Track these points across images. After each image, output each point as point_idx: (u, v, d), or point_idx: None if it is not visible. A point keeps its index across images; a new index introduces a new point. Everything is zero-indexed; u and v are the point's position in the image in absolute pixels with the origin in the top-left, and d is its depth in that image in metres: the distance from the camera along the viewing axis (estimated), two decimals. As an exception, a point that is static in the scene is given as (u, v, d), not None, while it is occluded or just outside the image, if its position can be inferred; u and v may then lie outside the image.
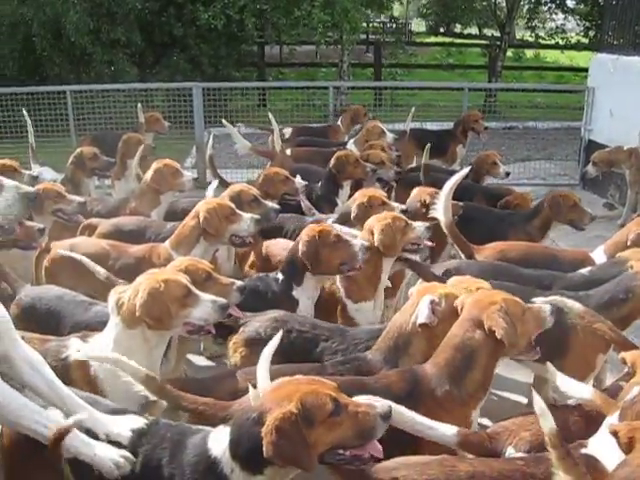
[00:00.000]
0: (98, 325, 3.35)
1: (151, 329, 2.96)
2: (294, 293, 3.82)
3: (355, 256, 3.77)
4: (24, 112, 7.52)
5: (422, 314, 2.96)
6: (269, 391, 2.23)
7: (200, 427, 2.44)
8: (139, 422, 2.50)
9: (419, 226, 4.14)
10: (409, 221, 4.17)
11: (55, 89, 9.90)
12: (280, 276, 3.92)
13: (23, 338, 2.89)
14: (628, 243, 4.25)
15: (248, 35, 12.58)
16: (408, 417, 2.44)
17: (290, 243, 4.61)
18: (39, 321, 3.64)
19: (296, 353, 3.20)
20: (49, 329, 3.51)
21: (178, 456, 2.32)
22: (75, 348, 3.12)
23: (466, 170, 4.57)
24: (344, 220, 4.80)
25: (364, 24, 17.24)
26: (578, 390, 2.66)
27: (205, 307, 3.01)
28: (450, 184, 4.32)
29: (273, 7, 12.75)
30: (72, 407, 2.51)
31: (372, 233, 4.01)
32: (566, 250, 4.45)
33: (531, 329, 2.86)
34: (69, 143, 9.10)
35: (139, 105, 7.75)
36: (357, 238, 3.87)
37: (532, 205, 5.60)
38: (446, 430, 2.47)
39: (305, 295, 3.85)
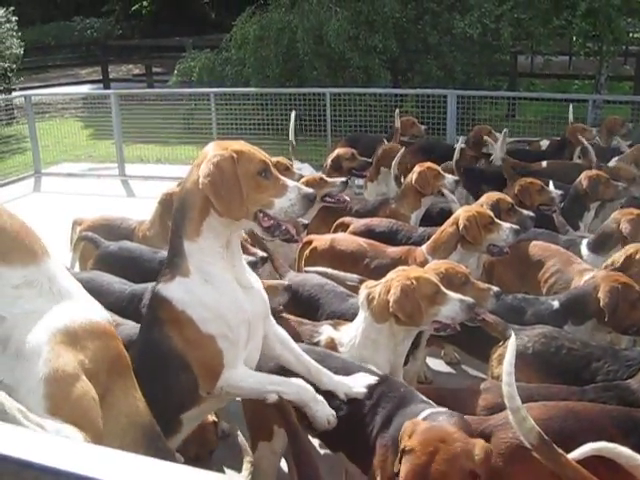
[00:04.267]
0: (352, 317, 3.52)
1: (399, 324, 3.06)
2: (565, 328, 3.61)
3: None
4: (292, 115, 7.92)
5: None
6: None
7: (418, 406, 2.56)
8: (372, 379, 2.79)
9: None
10: None
11: (316, 91, 10.52)
12: (556, 305, 3.76)
13: (281, 312, 3.33)
14: None
15: (503, 44, 12.34)
16: None
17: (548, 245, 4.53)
18: (299, 305, 3.91)
19: (566, 371, 3.11)
20: (308, 313, 3.78)
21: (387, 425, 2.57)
22: (327, 334, 3.34)
23: None
24: (603, 240, 4.58)
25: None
26: None
27: (453, 306, 3.05)
28: None
29: (531, 16, 12.40)
30: (317, 375, 2.81)
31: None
32: None
33: None
34: (324, 142, 9.64)
35: (397, 111, 7.96)
36: None
37: None
38: None
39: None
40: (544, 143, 7.93)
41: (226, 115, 11.31)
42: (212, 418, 3.53)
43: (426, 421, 2.33)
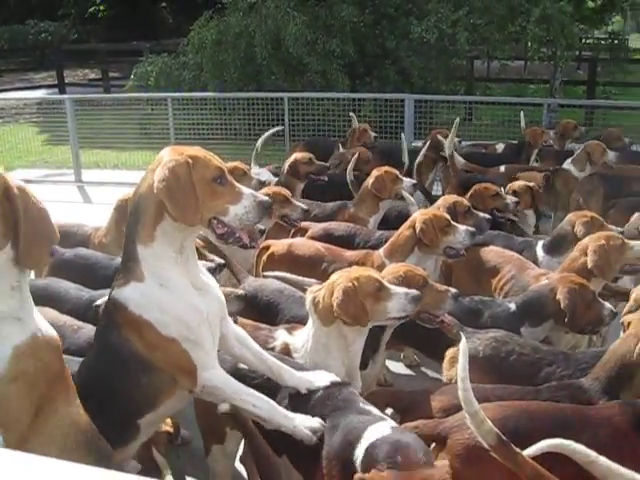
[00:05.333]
0: (313, 322, 3.52)
1: (347, 325, 3.05)
2: (522, 330, 3.65)
3: (602, 322, 3.58)
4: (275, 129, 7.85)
5: (652, 346, 2.79)
6: None
7: (367, 416, 2.53)
8: (334, 377, 2.84)
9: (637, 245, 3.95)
10: (626, 240, 3.99)
11: (274, 95, 10.53)
12: (513, 307, 3.79)
13: (236, 322, 3.23)
14: None
15: (460, 49, 12.48)
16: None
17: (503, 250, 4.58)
18: (259, 310, 3.90)
19: (517, 377, 3.12)
20: (267, 319, 3.75)
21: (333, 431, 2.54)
22: (281, 339, 3.33)
23: None
24: (559, 242, 4.66)
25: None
26: None
27: (399, 299, 3.07)
28: None
29: (487, 22, 12.59)
30: (278, 372, 2.83)
31: (586, 254, 3.93)
32: None
33: None
34: (282, 147, 9.63)
35: (351, 113, 7.97)
36: (607, 304, 3.61)
37: None
38: None
39: (532, 337, 3.66)
40: (500, 147, 8.04)
41: (184, 120, 11.24)
42: (167, 428, 3.46)
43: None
